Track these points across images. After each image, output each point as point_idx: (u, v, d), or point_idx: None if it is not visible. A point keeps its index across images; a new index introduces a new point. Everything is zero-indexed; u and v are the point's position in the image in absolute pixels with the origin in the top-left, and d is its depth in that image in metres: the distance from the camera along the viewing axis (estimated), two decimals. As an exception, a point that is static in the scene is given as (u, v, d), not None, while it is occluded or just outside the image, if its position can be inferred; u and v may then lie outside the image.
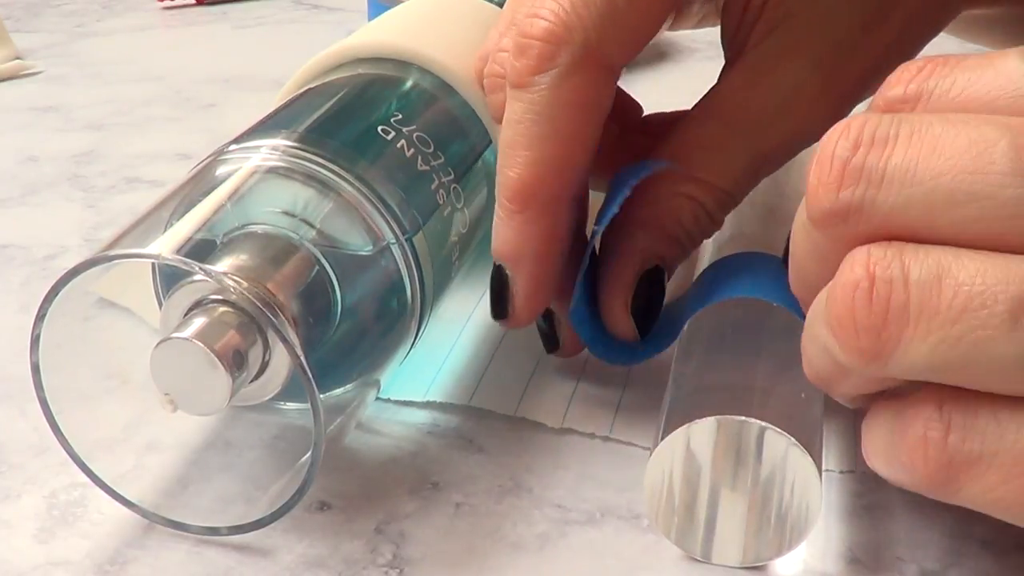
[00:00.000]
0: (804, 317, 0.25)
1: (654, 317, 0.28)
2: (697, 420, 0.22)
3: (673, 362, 0.26)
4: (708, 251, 0.30)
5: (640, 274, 0.27)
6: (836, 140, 0.19)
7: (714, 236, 0.30)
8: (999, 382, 0.18)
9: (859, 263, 0.18)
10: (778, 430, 0.22)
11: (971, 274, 0.18)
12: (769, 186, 0.33)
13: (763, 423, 0.22)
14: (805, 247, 0.21)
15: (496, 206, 0.27)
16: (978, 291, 0.17)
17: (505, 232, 0.26)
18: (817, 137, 0.20)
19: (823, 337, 0.19)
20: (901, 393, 0.20)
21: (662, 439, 0.22)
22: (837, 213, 0.19)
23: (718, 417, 0.22)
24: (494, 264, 0.27)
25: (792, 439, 0.22)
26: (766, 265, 0.26)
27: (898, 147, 0.18)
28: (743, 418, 0.22)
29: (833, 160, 0.19)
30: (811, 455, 0.22)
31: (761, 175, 0.27)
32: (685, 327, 0.26)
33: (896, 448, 0.19)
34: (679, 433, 0.22)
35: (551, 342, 0.29)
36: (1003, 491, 0.18)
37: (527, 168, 0.25)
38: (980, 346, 0.17)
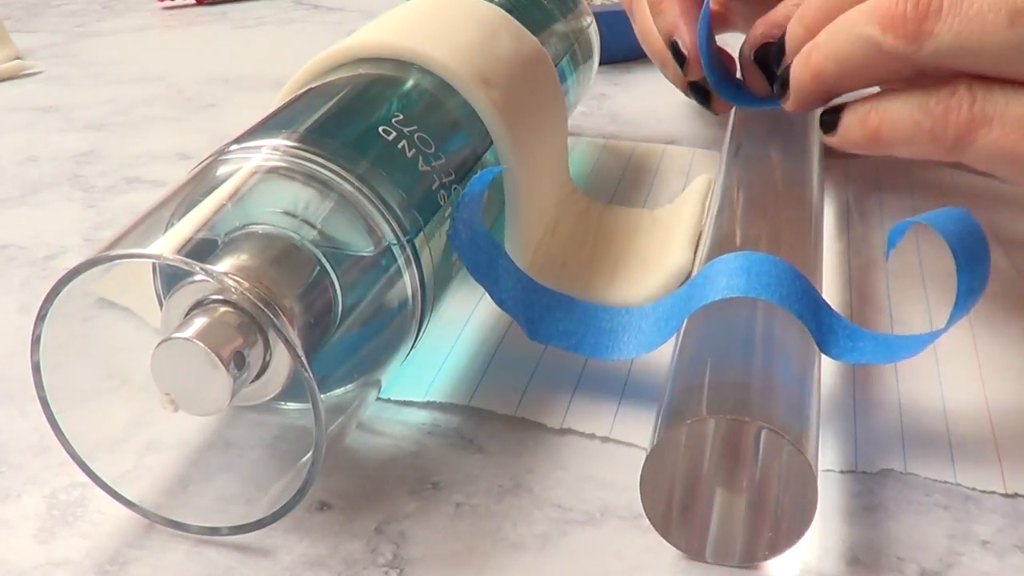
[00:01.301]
0: (804, 318, 0.25)
1: (774, 74, 0.35)
2: (694, 419, 0.22)
3: (671, 360, 0.26)
4: (705, 250, 0.30)
5: (760, 45, 0.36)
6: None
7: (712, 235, 0.30)
8: (999, 64, 0.26)
9: None
10: (775, 430, 0.22)
11: None
12: (764, 190, 0.33)
13: (760, 422, 0.22)
14: None
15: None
16: (988, 2, 0.25)
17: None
18: None
19: (866, 32, 0.27)
20: (926, 82, 0.27)
21: (659, 438, 0.22)
22: None
23: (715, 416, 0.22)
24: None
25: (788, 439, 0.22)
26: (763, 265, 0.26)
27: None
28: (740, 417, 0.22)
29: None
30: (807, 455, 0.22)
31: None
32: (683, 326, 0.26)
33: (927, 114, 0.27)
34: (676, 432, 0.22)
35: (704, 99, 0.40)
36: (1003, 143, 0.26)
37: None
38: (987, 36, 0.25)
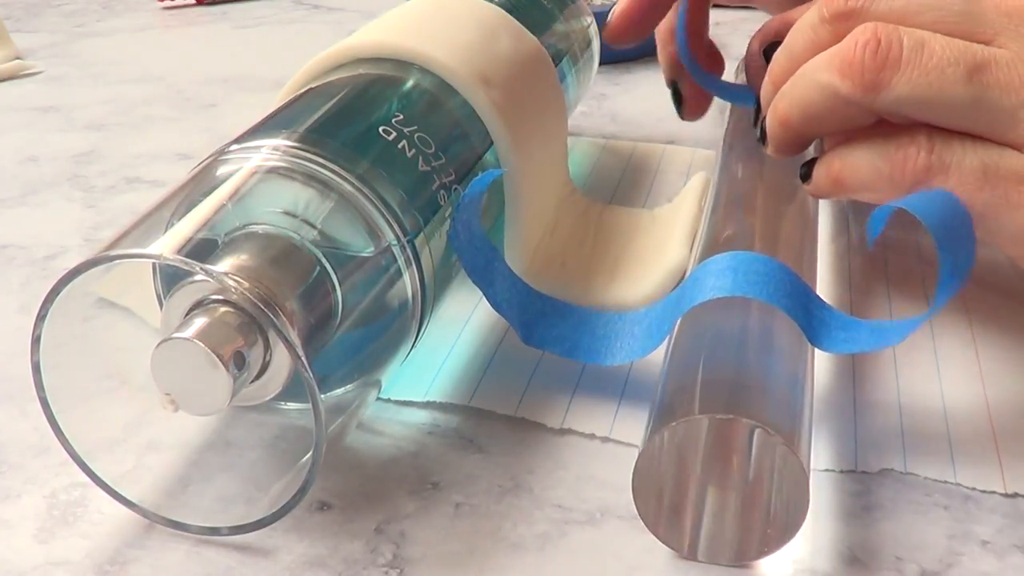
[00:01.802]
0: (793, 314, 0.26)
1: None
2: (686, 418, 0.22)
3: (663, 360, 0.26)
4: (699, 251, 0.30)
5: (771, 42, 0.36)
6: None
7: (704, 235, 0.31)
8: (955, 118, 0.26)
9: (869, 29, 0.26)
10: (767, 429, 0.22)
11: (943, 46, 0.26)
12: (755, 187, 0.33)
13: (752, 422, 0.22)
14: (806, 40, 0.29)
15: None
16: (947, 56, 0.26)
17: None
18: None
19: (825, 79, 0.27)
20: (888, 128, 0.27)
21: (651, 436, 0.22)
22: (846, 13, 0.28)
23: (707, 415, 0.22)
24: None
25: (780, 438, 0.22)
26: (751, 264, 0.26)
27: None
28: (732, 417, 0.22)
29: None
30: (799, 454, 0.22)
31: None
32: (676, 326, 0.26)
33: (886, 160, 0.27)
34: (668, 431, 0.22)
35: (678, 100, 0.41)
36: (959, 192, 0.26)
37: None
38: (945, 90, 0.26)
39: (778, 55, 0.31)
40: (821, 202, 0.36)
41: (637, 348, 0.28)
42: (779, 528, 0.22)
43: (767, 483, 0.22)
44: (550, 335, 0.29)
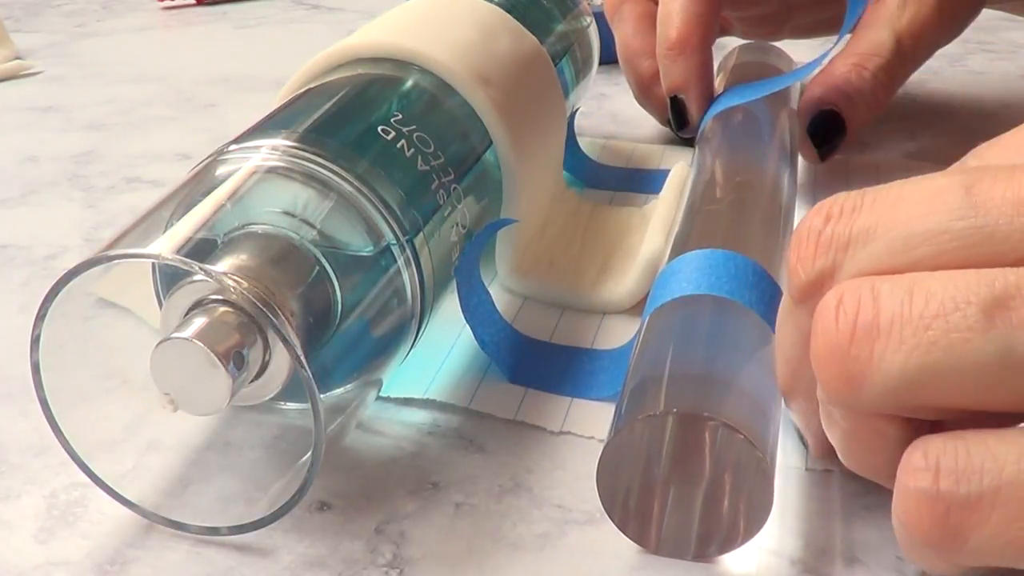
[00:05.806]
0: (766, 317, 0.26)
1: (832, 147, 0.40)
2: (652, 413, 0.22)
3: (632, 356, 0.26)
4: (669, 249, 0.30)
5: (816, 113, 0.40)
6: (811, 217, 0.20)
7: (678, 228, 0.31)
8: (980, 391, 0.17)
9: (831, 292, 0.19)
10: (732, 425, 0.22)
11: (941, 283, 0.17)
12: (727, 184, 0.33)
13: (717, 418, 0.22)
14: (789, 331, 0.22)
15: (660, 56, 0.42)
16: (950, 296, 0.17)
17: (674, 71, 0.41)
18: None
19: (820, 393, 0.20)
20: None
21: (617, 431, 0.23)
22: (814, 283, 0.20)
23: (672, 411, 0.22)
24: (671, 97, 0.42)
25: (745, 435, 0.22)
26: (726, 262, 0.26)
27: (863, 212, 0.20)
28: (697, 412, 0.22)
29: (808, 234, 0.20)
30: (764, 451, 0.22)
31: (904, 49, 0.40)
32: (645, 322, 0.27)
33: (896, 512, 0.19)
34: (634, 425, 0.22)
35: (682, 120, 0.42)
36: (1015, 531, 0.16)
37: (683, 25, 0.40)
38: (956, 348, 0.17)
39: (778, 358, 0.24)
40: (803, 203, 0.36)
41: (620, 380, 0.28)
42: (744, 524, 0.23)
43: (732, 480, 0.22)
44: (536, 374, 0.30)
